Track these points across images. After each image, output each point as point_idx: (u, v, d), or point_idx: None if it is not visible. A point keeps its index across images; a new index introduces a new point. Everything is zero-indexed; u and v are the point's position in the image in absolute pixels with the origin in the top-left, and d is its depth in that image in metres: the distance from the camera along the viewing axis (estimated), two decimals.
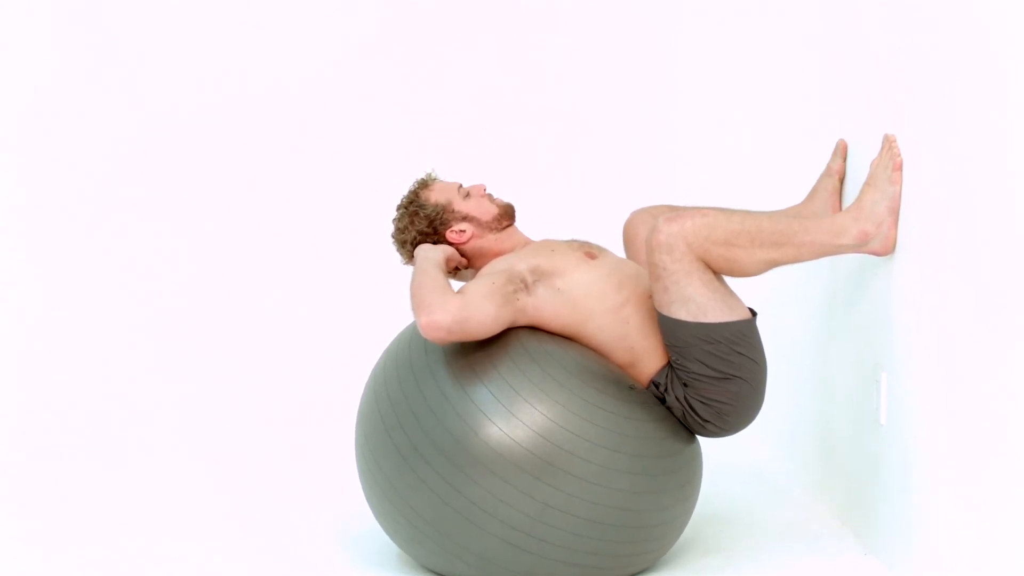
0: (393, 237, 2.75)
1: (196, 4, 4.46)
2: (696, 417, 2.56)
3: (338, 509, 3.06)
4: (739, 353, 2.51)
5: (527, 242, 2.76)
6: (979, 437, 2.17)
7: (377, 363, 2.65)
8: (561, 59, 4.56)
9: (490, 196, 2.76)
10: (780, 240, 2.50)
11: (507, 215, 2.75)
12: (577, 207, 4.38)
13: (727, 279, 2.58)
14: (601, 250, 2.72)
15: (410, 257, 2.69)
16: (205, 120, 4.48)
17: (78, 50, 4.40)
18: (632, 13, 4.54)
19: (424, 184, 2.76)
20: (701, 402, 2.54)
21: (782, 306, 3.47)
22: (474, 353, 2.47)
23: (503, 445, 2.38)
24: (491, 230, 2.73)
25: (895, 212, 2.51)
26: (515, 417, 2.40)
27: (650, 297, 2.60)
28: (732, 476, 3.38)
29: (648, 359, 2.60)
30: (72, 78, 4.40)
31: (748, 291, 3.79)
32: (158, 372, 4.35)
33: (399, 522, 2.50)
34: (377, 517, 2.59)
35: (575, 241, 2.74)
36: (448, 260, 2.64)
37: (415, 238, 2.70)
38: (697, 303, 2.47)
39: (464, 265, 2.73)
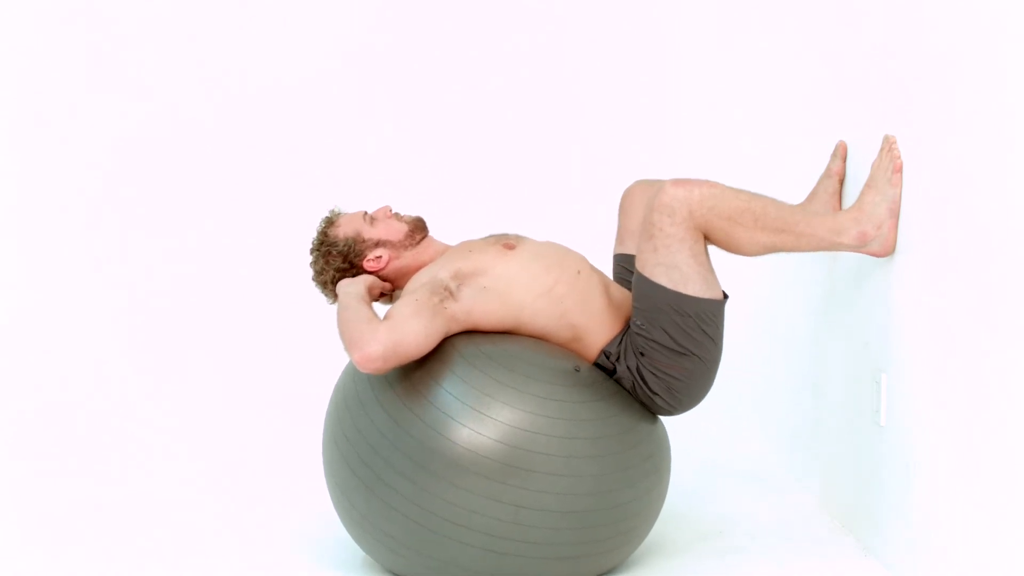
0: (314, 281, 2.73)
1: (186, 9, 4.47)
2: (646, 389, 2.56)
3: (324, 513, 3.04)
4: (703, 331, 2.52)
5: (446, 249, 2.74)
6: (979, 438, 2.17)
7: (329, 401, 2.64)
8: (561, 62, 4.56)
9: (397, 215, 2.73)
10: (782, 226, 2.51)
11: (418, 229, 2.73)
12: (577, 208, 4.39)
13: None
14: (519, 239, 2.71)
15: (335, 296, 2.65)
16: (199, 123, 4.48)
17: (65, 52, 4.40)
18: (632, 13, 4.54)
19: (330, 222, 2.73)
20: (653, 374, 2.54)
21: (782, 306, 3.47)
22: (415, 373, 2.46)
23: (463, 457, 2.36)
24: (406, 248, 2.70)
25: (895, 214, 2.51)
26: (466, 427, 2.38)
27: (579, 273, 2.61)
28: (731, 477, 3.38)
29: (593, 332, 2.60)
30: (63, 81, 4.41)
31: (748, 290, 3.79)
32: (142, 374, 4.34)
33: (381, 550, 2.51)
34: (361, 547, 2.59)
35: (492, 236, 2.73)
36: (370, 289, 2.61)
37: (334, 276, 2.68)
38: (681, 272, 2.47)
39: (389, 289, 2.71)
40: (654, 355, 2.53)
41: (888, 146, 2.53)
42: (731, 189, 2.50)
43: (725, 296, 2.57)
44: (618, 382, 2.58)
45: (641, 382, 2.55)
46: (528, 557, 2.42)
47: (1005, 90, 2.08)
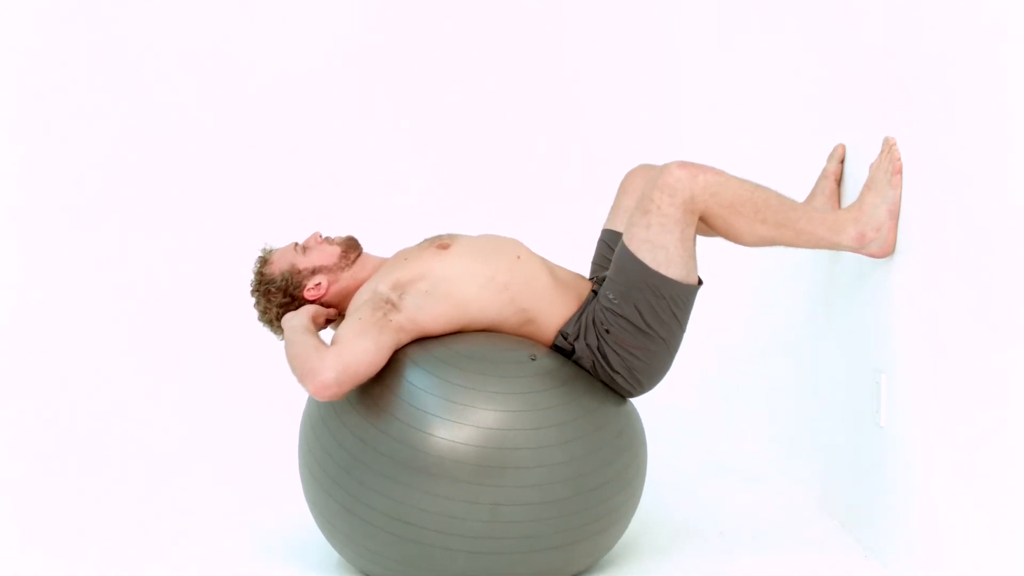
0: (260, 321, 2.74)
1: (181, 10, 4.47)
2: (606, 367, 2.56)
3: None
4: (673, 314, 2.53)
5: (382, 262, 2.73)
6: (979, 439, 2.18)
7: (299, 430, 2.65)
8: (561, 64, 4.56)
9: (328, 239, 2.73)
10: (783, 221, 2.52)
11: (351, 247, 2.73)
12: (577, 209, 4.39)
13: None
14: (453, 237, 2.71)
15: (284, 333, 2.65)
16: (199, 124, 4.48)
17: (65, 52, 4.41)
18: (632, 13, 4.54)
19: (264, 261, 2.74)
20: (615, 352, 2.55)
21: (782, 306, 3.47)
22: (373, 389, 2.46)
23: (434, 465, 2.37)
24: (343, 269, 2.70)
25: (895, 215, 2.51)
26: (432, 435, 2.38)
27: (519, 258, 2.63)
28: (731, 477, 3.38)
29: (545, 312, 2.61)
30: (62, 80, 4.41)
31: (748, 290, 3.79)
32: (141, 375, 4.33)
33: (371, 566, 2.52)
34: (351, 564, 2.60)
35: (425, 240, 2.74)
36: (315, 318, 2.61)
37: (279, 313, 2.68)
38: (667, 253, 2.48)
39: (335, 314, 2.71)
40: (620, 333, 2.54)
41: (888, 148, 2.53)
42: (736, 178, 2.51)
43: (700, 282, 2.58)
44: (577, 363, 2.59)
45: (602, 360, 2.56)
46: (515, 553, 2.42)
47: (1005, 91, 2.08)
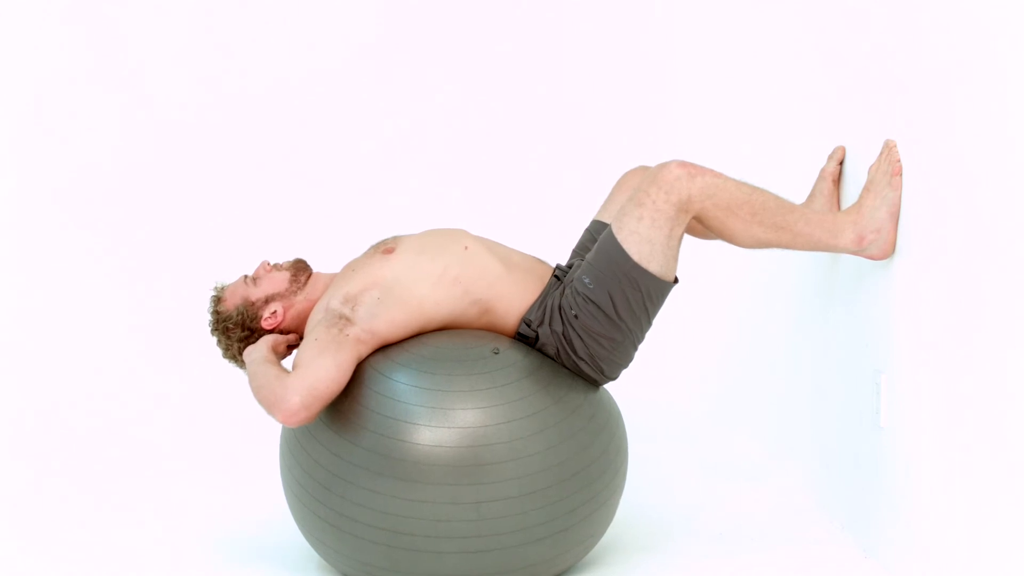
0: (224, 358, 2.75)
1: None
2: (571, 352, 2.56)
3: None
4: (645, 308, 2.54)
5: (333, 278, 2.74)
6: (979, 440, 2.18)
7: (279, 454, 2.66)
8: (558, 67, 4.56)
9: (276, 265, 2.74)
10: (780, 223, 2.52)
11: (300, 270, 2.72)
12: (573, 214, 4.38)
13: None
14: (397, 239, 2.71)
15: None
16: (200, 124, 4.48)
17: (66, 51, 4.41)
18: (631, 15, 4.54)
19: (217, 299, 2.74)
20: (580, 338, 2.55)
21: (782, 306, 3.47)
22: (343, 404, 2.48)
23: (412, 472, 2.38)
24: (295, 293, 2.70)
25: (895, 217, 2.51)
26: (407, 443, 2.39)
27: (467, 248, 2.62)
28: (731, 479, 3.38)
29: (503, 300, 2.61)
30: (63, 80, 4.41)
31: (748, 290, 3.80)
32: (140, 375, 4.34)
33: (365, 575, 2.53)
34: (343, 573, 2.61)
35: (371, 247, 2.74)
36: (274, 347, 2.62)
37: (240, 349, 2.69)
38: (652, 247, 2.48)
39: (295, 340, 2.71)
40: (588, 320, 2.54)
41: (888, 150, 2.53)
42: (734, 180, 2.51)
43: (675, 280, 2.59)
44: (541, 350, 2.59)
45: (567, 345, 2.56)
46: (505, 548, 2.43)
47: (1005, 92, 2.08)
